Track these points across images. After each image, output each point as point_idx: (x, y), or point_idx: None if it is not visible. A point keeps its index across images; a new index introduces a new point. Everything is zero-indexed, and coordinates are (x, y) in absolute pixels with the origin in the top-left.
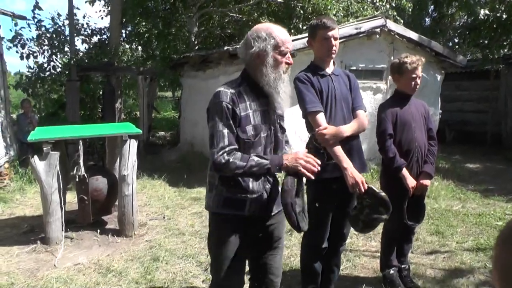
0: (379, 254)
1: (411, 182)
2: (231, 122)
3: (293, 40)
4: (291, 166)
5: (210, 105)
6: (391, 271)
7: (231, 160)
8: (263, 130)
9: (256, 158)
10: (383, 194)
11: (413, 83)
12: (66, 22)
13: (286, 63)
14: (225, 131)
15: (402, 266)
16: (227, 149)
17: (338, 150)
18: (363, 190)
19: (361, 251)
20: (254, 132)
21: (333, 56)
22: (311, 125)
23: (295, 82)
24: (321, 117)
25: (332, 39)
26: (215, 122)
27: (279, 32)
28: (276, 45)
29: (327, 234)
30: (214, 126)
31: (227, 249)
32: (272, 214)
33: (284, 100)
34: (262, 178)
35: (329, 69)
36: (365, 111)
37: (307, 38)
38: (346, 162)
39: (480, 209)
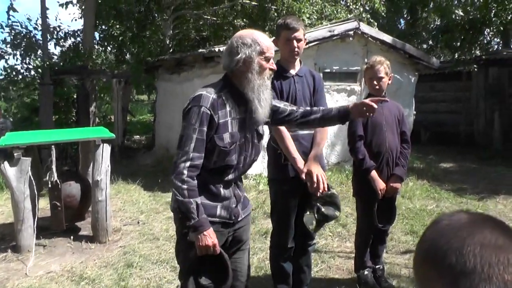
0: (353, 255)
1: (379, 184)
2: (205, 128)
3: None
4: (198, 240)
5: (188, 106)
6: (366, 272)
7: (183, 186)
8: (239, 138)
9: (194, 205)
10: (335, 192)
11: (374, 83)
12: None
13: (270, 69)
14: (195, 136)
15: (377, 266)
16: (188, 164)
17: (293, 152)
18: (325, 189)
19: (336, 252)
20: (230, 140)
21: (296, 57)
22: None
23: None
24: None
25: (294, 41)
26: (189, 124)
27: (264, 39)
28: (261, 51)
29: (292, 233)
30: (186, 127)
31: (195, 254)
32: (240, 218)
33: (265, 107)
34: (233, 183)
35: (294, 70)
36: None
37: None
38: (301, 163)
39: (453, 207)
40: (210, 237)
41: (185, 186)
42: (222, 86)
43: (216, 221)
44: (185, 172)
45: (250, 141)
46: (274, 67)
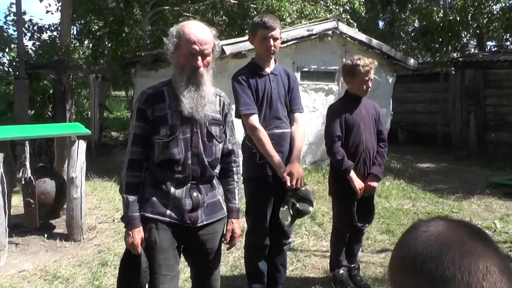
0: (329, 254)
1: (358, 184)
2: (141, 123)
3: (245, 41)
4: (125, 235)
5: None
6: (341, 271)
7: (123, 181)
8: (181, 131)
9: (127, 201)
10: (308, 188)
11: (365, 86)
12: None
13: (193, 66)
14: (133, 131)
15: (352, 265)
16: (128, 159)
17: (272, 151)
18: (302, 184)
19: (312, 251)
20: (169, 132)
21: (272, 56)
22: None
23: (232, 81)
24: (254, 119)
25: (271, 39)
26: (131, 121)
27: (192, 31)
28: (178, 44)
29: (268, 232)
30: (130, 125)
31: (151, 254)
32: (200, 224)
33: (189, 104)
34: (189, 185)
35: (269, 68)
36: (302, 112)
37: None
38: (280, 162)
39: (429, 207)
40: (132, 237)
41: (124, 182)
42: (170, 80)
43: (166, 221)
44: (126, 168)
45: (199, 137)
46: (199, 64)
